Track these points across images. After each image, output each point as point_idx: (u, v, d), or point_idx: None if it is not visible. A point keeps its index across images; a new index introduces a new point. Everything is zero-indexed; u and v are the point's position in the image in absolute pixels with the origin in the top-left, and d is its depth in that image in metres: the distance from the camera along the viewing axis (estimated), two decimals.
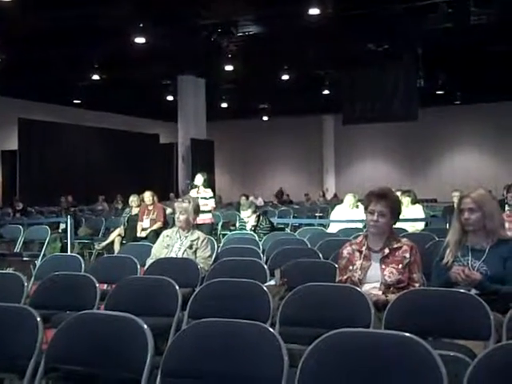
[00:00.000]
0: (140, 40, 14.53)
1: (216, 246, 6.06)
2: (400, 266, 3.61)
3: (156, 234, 7.78)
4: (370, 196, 3.75)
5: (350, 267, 3.71)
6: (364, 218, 3.88)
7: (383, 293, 3.54)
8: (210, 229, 8.98)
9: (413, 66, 17.85)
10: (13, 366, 2.83)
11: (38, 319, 2.82)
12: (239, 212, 9.79)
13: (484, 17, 13.79)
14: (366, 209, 3.77)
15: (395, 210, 3.72)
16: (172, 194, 19.96)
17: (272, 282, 4.14)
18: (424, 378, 2.15)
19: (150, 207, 9.35)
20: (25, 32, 13.67)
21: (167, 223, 9.19)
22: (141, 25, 13.86)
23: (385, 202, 3.67)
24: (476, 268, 3.45)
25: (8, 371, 2.94)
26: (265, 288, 3.58)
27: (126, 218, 9.85)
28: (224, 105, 25.21)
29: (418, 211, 9.04)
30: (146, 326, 2.60)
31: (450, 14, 13.75)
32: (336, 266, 3.99)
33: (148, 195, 9.41)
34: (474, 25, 13.88)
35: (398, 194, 8.29)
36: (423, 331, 2.82)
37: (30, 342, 2.75)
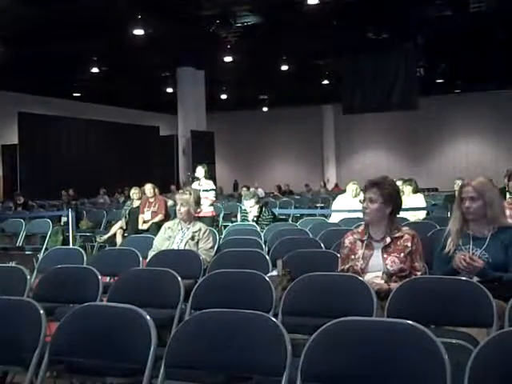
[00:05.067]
0: (139, 32, 14.50)
1: (218, 238, 6.06)
2: (402, 254, 3.62)
3: (157, 226, 7.79)
4: (366, 184, 3.78)
5: (352, 256, 3.71)
6: None
7: (385, 282, 3.55)
8: (210, 222, 8.96)
9: (413, 55, 17.82)
10: (17, 358, 2.84)
11: (42, 312, 2.82)
12: (240, 203, 9.78)
13: (483, 4, 13.75)
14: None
15: (390, 198, 3.69)
16: (173, 187, 19.96)
17: (274, 273, 4.15)
18: (427, 366, 2.15)
19: (151, 199, 9.35)
20: (24, 25, 13.65)
21: (169, 215, 9.19)
22: (139, 17, 13.83)
23: (376, 189, 3.68)
24: (477, 256, 3.45)
25: (12, 364, 2.95)
26: (267, 278, 3.59)
27: (128, 211, 9.84)
28: (224, 96, 25.19)
29: (419, 200, 9.03)
30: (149, 318, 2.60)
31: (449, 2, 13.72)
32: (338, 255, 4.00)
33: (149, 187, 9.40)
34: (473, 12, 13.85)
35: (399, 183, 8.31)
36: (426, 319, 2.82)
37: (34, 334, 2.76)
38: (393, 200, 3.72)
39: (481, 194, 3.52)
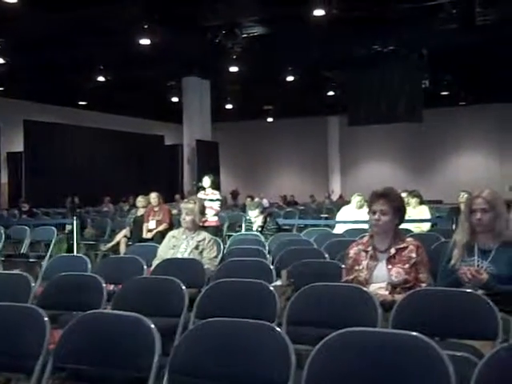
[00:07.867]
0: (145, 41, 14.53)
1: (222, 247, 6.06)
2: (407, 265, 3.60)
3: (162, 235, 7.77)
4: (373, 196, 3.77)
5: (357, 267, 3.71)
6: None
7: (390, 293, 3.54)
8: (215, 231, 8.94)
9: (418, 67, 17.83)
10: (20, 365, 2.84)
11: (46, 319, 2.83)
12: (245, 213, 9.78)
13: (489, 17, 13.75)
14: (369, 209, 3.79)
15: (398, 209, 3.71)
16: (177, 196, 19.97)
17: (278, 283, 4.14)
18: (432, 378, 2.14)
19: (156, 208, 9.35)
20: (30, 34, 13.71)
21: (173, 224, 9.19)
22: (145, 26, 13.88)
23: (386, 200, 3.68)
24: (483, 268, 3.44)
25: (15, 371, 2.95)
26: (271, 288, 3.58)
27: (132, 219, 9.85)
28: (229, 106, 25.22)
29: (424, 212, 9.02)
30: (153, 326, 2.60)
31: (454, 15, 13.72)
32: (342, 266, 3.99)
33: (154, 196, 9.41)
34: (479, 25, 13.85)
35: (404, 194, 8.30)
36: (430, 331, 2.80)
37: (38, 341, 2.76)
38: (400, 211, 3.74)
39: (492, 205, 3.51)
